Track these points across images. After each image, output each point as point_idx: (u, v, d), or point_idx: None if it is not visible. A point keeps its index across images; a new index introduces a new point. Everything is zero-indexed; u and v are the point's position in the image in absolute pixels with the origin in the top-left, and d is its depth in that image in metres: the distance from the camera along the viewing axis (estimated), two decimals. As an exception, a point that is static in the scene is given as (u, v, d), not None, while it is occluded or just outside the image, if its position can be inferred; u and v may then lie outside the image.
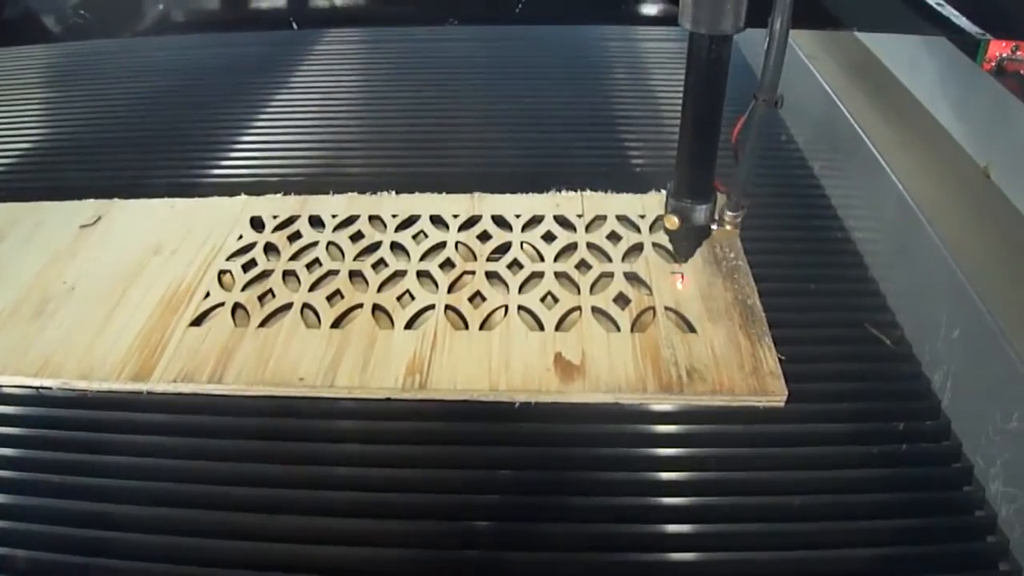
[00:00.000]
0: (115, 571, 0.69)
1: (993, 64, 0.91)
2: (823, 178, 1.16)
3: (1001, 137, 0.89)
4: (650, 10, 0.74)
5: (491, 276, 0.97)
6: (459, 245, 1.01)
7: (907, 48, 1.11)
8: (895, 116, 1.05)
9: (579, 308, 0.91)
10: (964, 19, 0.70)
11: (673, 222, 0.84)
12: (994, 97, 0.89)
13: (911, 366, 0.85)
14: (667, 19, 0.73)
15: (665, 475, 0.75)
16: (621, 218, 1.05)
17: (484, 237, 1.03)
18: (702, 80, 0.75)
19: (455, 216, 1.06)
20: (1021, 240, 0.82)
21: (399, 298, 0.94)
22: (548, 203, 1.08)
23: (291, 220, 1.07)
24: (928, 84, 1.05)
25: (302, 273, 0.98)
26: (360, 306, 0.92)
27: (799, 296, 0.94)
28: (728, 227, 0.85)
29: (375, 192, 1.12)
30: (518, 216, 1.06)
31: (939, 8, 0.70)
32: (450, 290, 0.94)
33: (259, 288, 0.96)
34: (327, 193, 1.13)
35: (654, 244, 0.99)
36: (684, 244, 0.89)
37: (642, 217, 1.04)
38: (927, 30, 0.73)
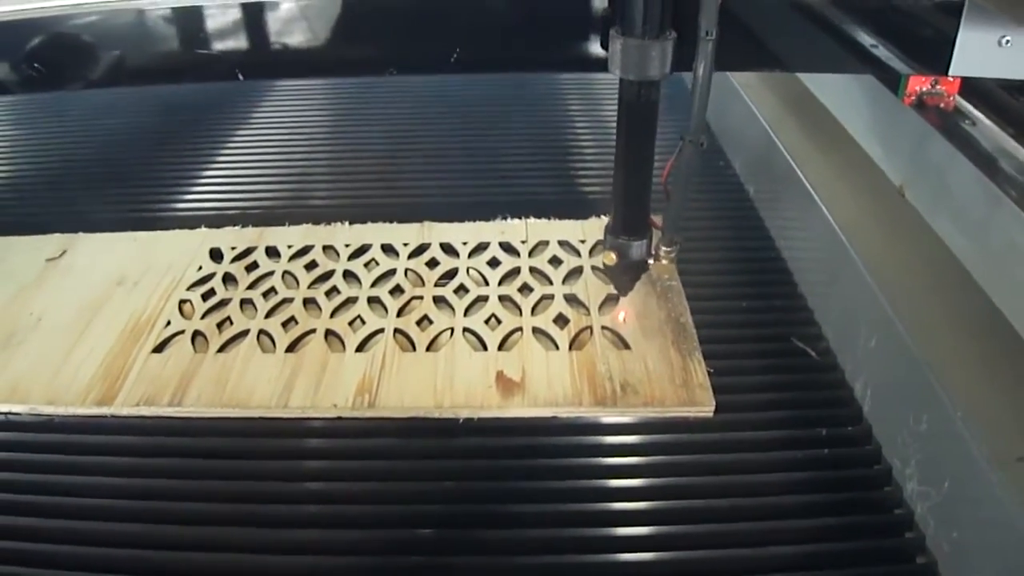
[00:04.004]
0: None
1: (914, 98, 0.96)
2: (758, 201, 1.21)
3: (916, 160, 0.94)
4: (582, 57, 0.78)
5: (438, 300, 1.00)
6: (408, 272, 1.05)
7: (832, 77, 1.17)
8: (822, 143, 1.10)
9: (521, 329, 0.95)
10: (887, 56, 0.74)
11: (611, 258, 0.88)
12: (913, 126, 0.94)
13: (834, 375, 0.89)
14: (598, 65, 0.77)
15: (601, 482, 0.78)
16: (562, 243, 1.09)
17: (432, 264, 1.07)
18: (633, 123, 0.78)
19: (405, 244, 1.10)
20: (929, 251, 0.87)
21: (351, 323, 0.97)
22: (494, 230, 1.12)
23: (249, 251, 1.11)
24: (853, 114, 1.11)
25: (259, 301, 1.01)
26: (313, 331, 0.96)
27: (730, 313, 0.98)
28: (664, 261, 0.88)
29: (329, 223, 1.16)
30: (465, 243, 1.10)
31: (864, 47, 0.74)
32: (399, 314, 0.98)
33: (218, 316, 0.99)
34: (283, 225, 1.17)
35: (593, 267, 1.03)
36: (622, 278, 0.93)
37: (582, 242, 1.09)
38: (853, 68, 0.77)
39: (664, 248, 0.87)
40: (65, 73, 0.81)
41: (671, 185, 0.82)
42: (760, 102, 1.24)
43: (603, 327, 0.94)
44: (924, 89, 0.95)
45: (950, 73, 0.72)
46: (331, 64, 0.82)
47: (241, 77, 0.78)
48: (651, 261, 0.89)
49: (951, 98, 0.95)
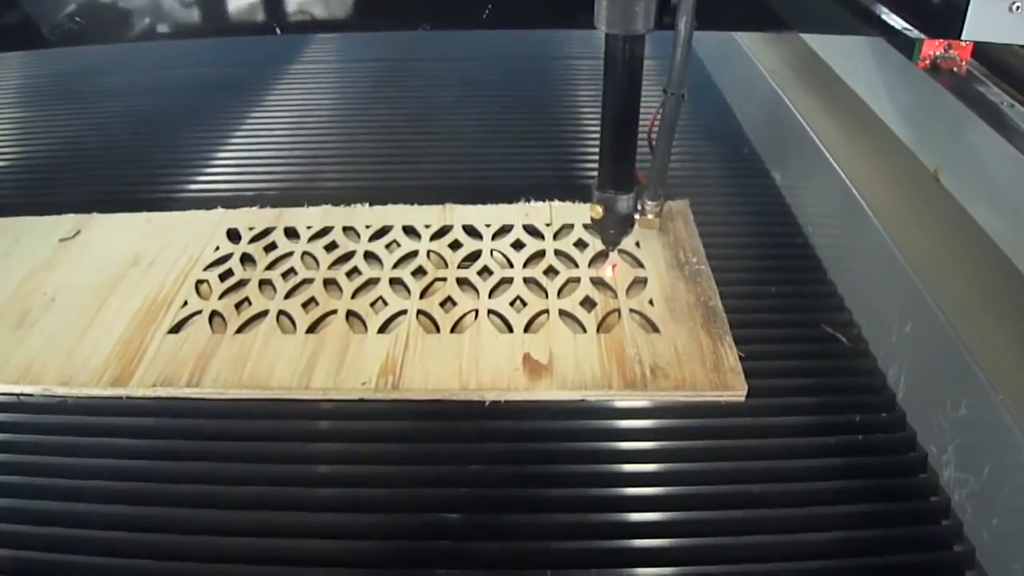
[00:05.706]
0: (97, 568, 0.70)
1: (927, 62, 0.96)
2: (784, 188, 1.19)
3: (950, 144, 0.93)
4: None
5: (462, 282, 0.99)
6: (431, 253, 1.03)
7: (863, 61, 1.15)
8: (851, 126, 1.09)
9: (547, 311, 0.93)
10: (900, 20, 0.74)
11: (597, 211, 0.88)
12: (948, 109, 0.92)
13: (867, 362, 0.88)
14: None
15: (630, 467, 0.77)
16: (588, 226, 1.06)
17: (455, 246, 1.05)
18: (619, 78, 0.79)
19: (427, 226, 1.08)
20: (964, 235, 0.86)
21: (372, 304, 0.95)
22: (517, 213, 1.11)
23: (267, 232, 1.09)
24: (884, 98, 1.09)
25: (278, 282, 1.00)
26: (334, 312, 0.94)
27: (760, 298, 0.97)
28: (649, 216, 0.88)
29: (349, 204, 1.15)
30: (488, 225, 1.08)
31: (878, 10, 0.74)
32: (422, 296, 0.96)
33: (236, 296, 0.98)
34: (302, 205, 1.15)
35: (620, 250, 1.01)
36: (610, 232, 0.93)
37: (608, 225, 1.07)
38: (865, 31, 0.78)
39: (649, 202, 0.87)
40: (103, 26, 0.81)
41: (655, 137, 0.82)
42: (787, 87, 1.22)
43: (631, 310, 0.93)
44: (938, 54, 0.98)
45: (963, 37, 0.73)
46: (366, 19, 0.82)
47: (278, 31, 0.78)
48: (637, 215, 0.88)
49: (964, 63, 0.98)
